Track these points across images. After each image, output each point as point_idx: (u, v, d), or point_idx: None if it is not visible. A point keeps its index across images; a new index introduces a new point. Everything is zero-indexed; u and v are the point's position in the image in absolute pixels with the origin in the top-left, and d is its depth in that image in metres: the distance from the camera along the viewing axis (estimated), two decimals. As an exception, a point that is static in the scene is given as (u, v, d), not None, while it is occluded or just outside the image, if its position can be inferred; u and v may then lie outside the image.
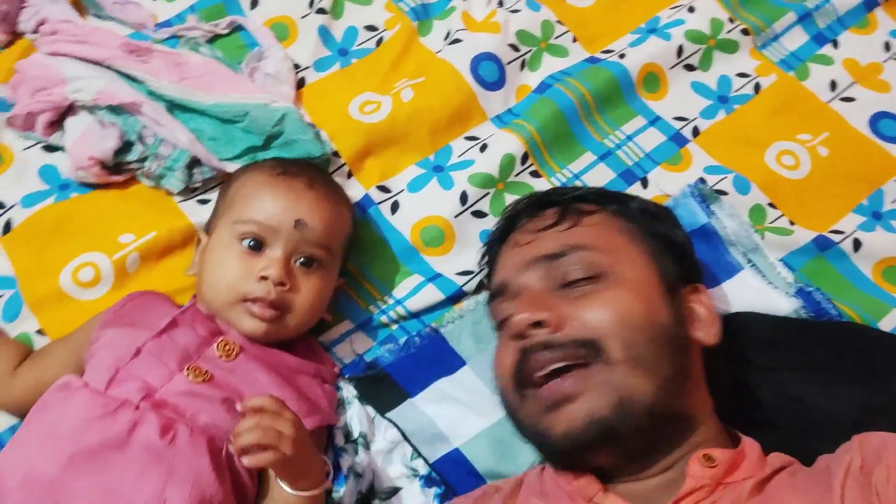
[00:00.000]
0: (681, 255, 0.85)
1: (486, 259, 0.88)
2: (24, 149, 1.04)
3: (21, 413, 0.82)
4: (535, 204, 0.86)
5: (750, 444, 0.74)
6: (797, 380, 0.89)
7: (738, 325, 0.93)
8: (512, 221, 0.86)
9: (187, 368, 0.79)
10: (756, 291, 0.97)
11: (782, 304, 0.95)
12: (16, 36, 1.11)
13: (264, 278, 0.83)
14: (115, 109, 1.00)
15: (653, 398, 0.70)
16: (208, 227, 0.91)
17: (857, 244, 1.01)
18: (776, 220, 1.05)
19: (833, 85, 1.17)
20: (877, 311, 0.95)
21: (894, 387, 0.86)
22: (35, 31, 1.09)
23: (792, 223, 1.04)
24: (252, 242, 0.84)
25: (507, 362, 0.75)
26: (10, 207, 1.00)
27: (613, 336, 0.71)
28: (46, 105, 1.00)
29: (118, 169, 1.01)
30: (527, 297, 0.76)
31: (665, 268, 0.80)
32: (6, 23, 1.10)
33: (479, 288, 0.97)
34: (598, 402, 0.68)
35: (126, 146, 1.00)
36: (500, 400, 0.79)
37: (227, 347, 0.83)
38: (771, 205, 1.05)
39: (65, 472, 0.71)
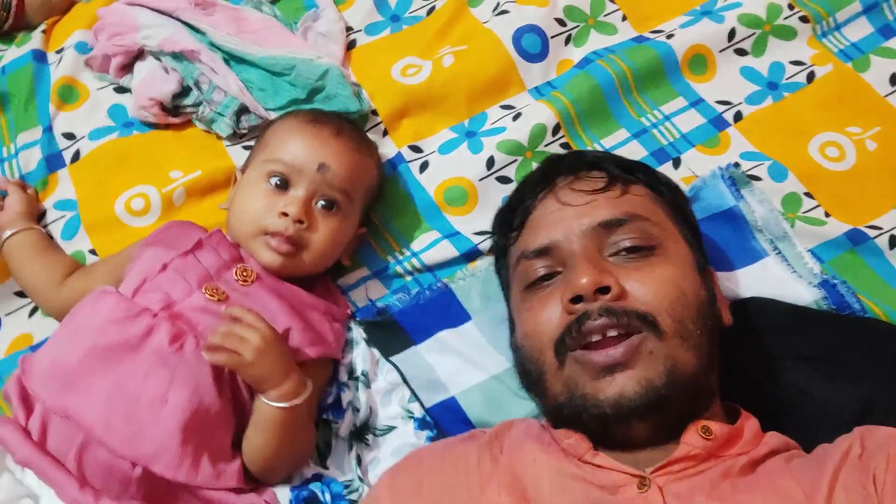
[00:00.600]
0: (699, 236, 0.86)
1: (514, 208, 0.85)
2: (99, 88, 1.15)
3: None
4: (578, 164, 0.84)
5: (748, 421, 0.74)
6: (804, 370, 0.87)
7: (752, 309, 0.92)
8: (551, 176, 0.84)
9: (206, 287, 0.86)
10: (777, 279, 0.95)
11: (803, 293, 0.93)
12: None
13: (285, 215, 0.88)
14: (177, 56, 1.09)
15: (696, 371, 0.71)
16: (244, 168, 0.98)
17: (893, 241, 0.97)
18: (811, 210, 1.02)
19: (894, 79, 1.12)
20: (905, 310, 0.92)
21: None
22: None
23: (827, 214, 1.01)
24: (278, 181, 0.90)
25: (553, 322, 0.74)
26: (80, 139, 1.11)
27: (667, 311, 0.72)
28: (119, 49, 1.10)
29: (176, 111, 1.10)
30: (588, 261, 0.74)
31: (694, 247, 0.81)
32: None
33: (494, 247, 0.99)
34: (653, 370, 0.69)
35: (184, 91, 1.09)
36: (522, 357, 0.79)
37: (245, 273, 0.89)
38: (807, 194, 1.03)
39: (83, 362, 0.80)
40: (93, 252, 1.03)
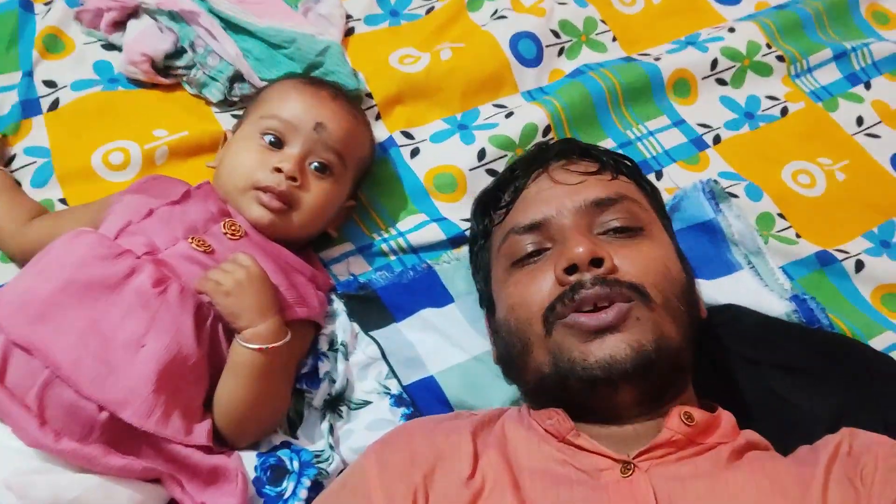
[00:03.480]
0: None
1: (504, 187, 0.86)
2: (85, 43, 1.11)
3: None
4: (570, 148, 0.87)
5: (725, 414, 0.75)
6: (779, 377, 0.89)
7: (728, 316, 0.94)
8: (544, 158, 0.85)
9: (192, 238, 0.83)
10: (751, 291, 0.98)
11: (775, 305, 0.96)
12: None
13: (278, 171, 0.87)
14: (175, 17, 1.07)
15: (679, 345, 0.73)
16: (235, 129, 0.96)
17: (859, 265, 1.02)
18: (783, 230, 1.06)
19: (860, 121, 1.20)
20: (869, 329, 0.96)
21: (874, 400, 0.86)
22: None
23: (798, 235, 1.06)
24: (272, 138, 0.89)
25: (544, 292, 0.74)
26: (61, 88, 1.07)
27: (656, 285, 0.73)
28: (115, 3, 1.07)
29: (166, 72, 1.07)
30: (581, 234, 0.75)
31: (673, 239, 0.84)
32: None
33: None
34: (643, 335, 0.70)
35: (177, 52, 1.07)
36: (504, 333, 0.78)
37: (234, 227, 0.86)
38: (780, 215, 1.07)
39: (55, 296, 0.75)
40: (63, 202, 0.98)
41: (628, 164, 0.88)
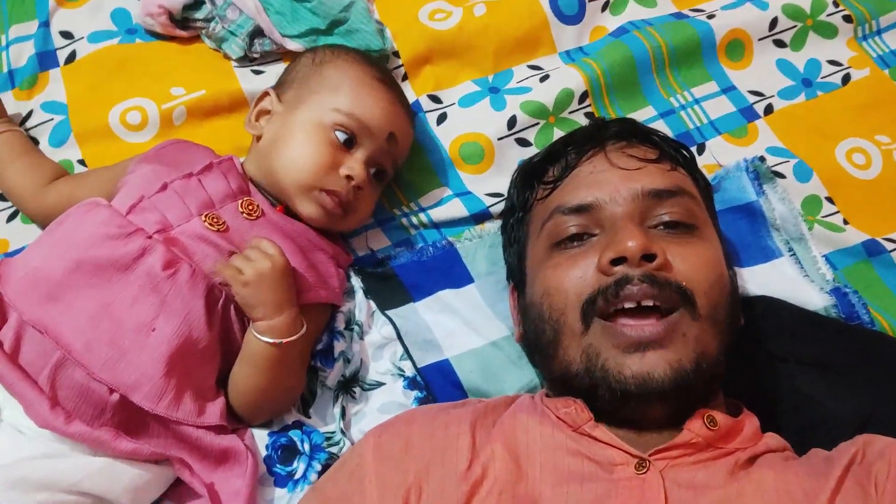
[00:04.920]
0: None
1: (554, 161, 0.81)
2: (103, -11, 1.07)
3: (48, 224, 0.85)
4: (630, 130, 0.81)
5: (749, 418, 0.73)
6: (808, 375, 0.86)
7: (760, 308, 0.90)
8: (601, 137, 0.80)
9: (206, 215, 0.81)
10: (789, 281, 0.93)
11: (814, 298, 0.91)
12: None
13: (349, 178, 0.84)
14: (193, -35, 1.01)
15: (717, 359, 0.70)
16: (281, 92, 0.90)
17: (909, 256, 0.96)
18: (830, 215, 1.00)
19: (930, 92, 1.09)
20: (915, 328, 0.90)
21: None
22: None
23: (846, 222, 0.99)
24: (346, 138, 0.85)
25: (585, 281, 0.70)
26: (78, 40, 1.03)
27: (705, 292, 0.70)
28: (130, -51, 1.02)
29: (184, 24, 1.03)
30: (635, 225, 0.71)
31: (722, 240, 0.80)
32: None
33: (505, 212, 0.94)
34: (684, 354, 0.67)
35: (196, 3, 1.02)
36: (534, 316, 0.75)
37: (251, 207, 0.84)
38: (829, 199, 1.00)
39: (67, 276, 0.74)
40: (82, 163, 0.97)
41: (686, 154, 0.82)
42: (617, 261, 0.69)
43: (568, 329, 0.70)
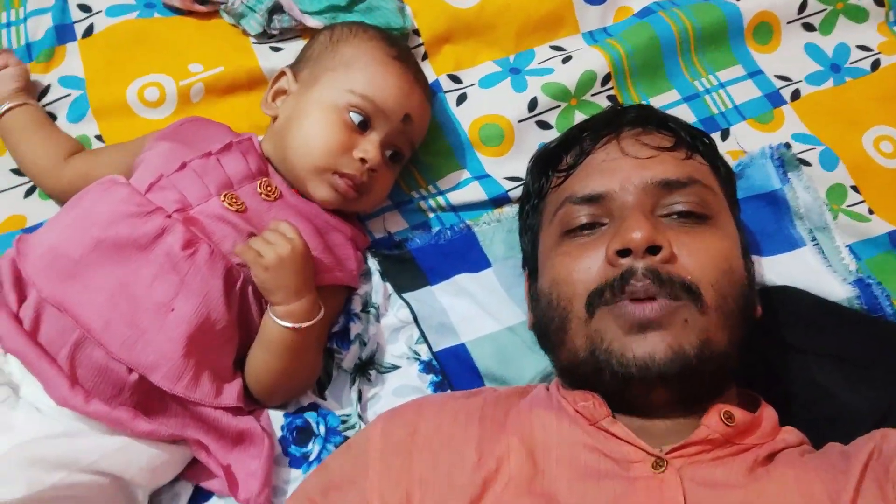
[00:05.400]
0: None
1: (568, 148, 0.80)
2: (121, -38, 1.05)
3: (66, 201, 0.84)
4: (646, 117, 0.80)
5: (767, 411, 0.72)
6: (827, 367, 0.85)
7: (781, 298, 0.88)
8: (617, 123, 0.78)
9: (224, 195, 0.80)
10: (812, 271, 0.92)
11: (836, 289, 0.89)
12: None
13: (363, 161, 0.83)
14: (212, -62, 0.99)
15: (727, 351, 0.69)
16: (297, 71, 0.89)
17: (936, 248, 0.94)
18: (855, 204, 0.98)
19: (962, 79, 1.07)
20: (937, 321, 0.89)
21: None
22: None
23: (871, 212, 0.98)
24: (360, 119, 0.83)
25: (593, 272, 0.70)
26: (96, 13, 1.02)
27: (713, 284, 0.68)
28: (148, -79, 1.00)
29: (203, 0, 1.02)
30: (642, 216, 0.70)
31: (740, 229, 0.78)
32: None
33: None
34: (686, 337, 0.66)
35: (215, -22, 1.00)
36: (544, 304, 0.74)
37: (269, 188, 0.83)
38: (854, 188, 0.99)
39: (87, 255, 0.74)
40: (99, 138, 0.96)
41: (706, 141, 0.80)
42: (623, 252, 0.68)
43: (574, 317, 0.70)
